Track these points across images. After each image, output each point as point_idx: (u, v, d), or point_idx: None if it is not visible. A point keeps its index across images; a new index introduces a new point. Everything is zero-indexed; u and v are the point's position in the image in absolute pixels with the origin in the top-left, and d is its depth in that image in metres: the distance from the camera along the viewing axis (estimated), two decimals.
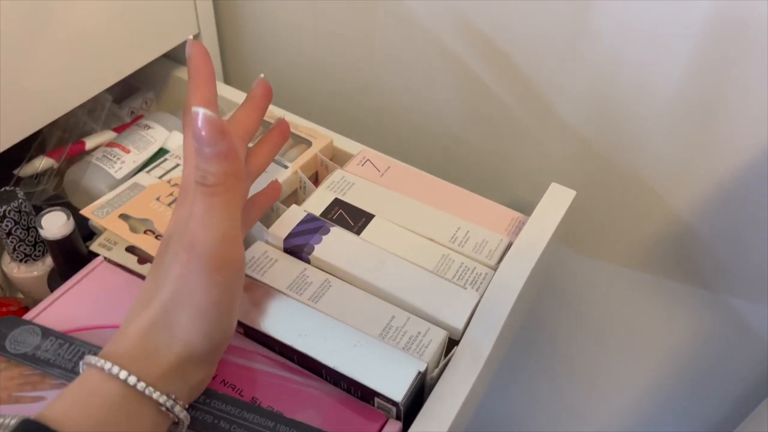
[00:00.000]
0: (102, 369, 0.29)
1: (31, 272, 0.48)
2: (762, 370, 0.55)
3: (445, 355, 0.38)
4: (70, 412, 0.27)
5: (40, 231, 0.42)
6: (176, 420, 0.31)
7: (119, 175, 0.51)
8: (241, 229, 0.32)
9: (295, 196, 0.51)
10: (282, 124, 0.41)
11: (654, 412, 0.57)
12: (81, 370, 0.30)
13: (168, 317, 0.30)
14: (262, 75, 0.39)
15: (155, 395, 0.29)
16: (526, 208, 0.46)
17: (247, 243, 0.44)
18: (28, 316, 0.38)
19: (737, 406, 0.56)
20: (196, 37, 0.60)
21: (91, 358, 0.29)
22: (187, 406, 0.32)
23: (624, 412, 0.58)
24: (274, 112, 0.55)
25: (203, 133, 0.28)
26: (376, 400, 0.34)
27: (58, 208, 0.43)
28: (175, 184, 0.46)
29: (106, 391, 0.28)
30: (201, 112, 0.27)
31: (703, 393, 0.57)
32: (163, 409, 0.29)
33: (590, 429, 0.57)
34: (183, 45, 0.60)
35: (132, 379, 0.29)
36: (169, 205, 0.44)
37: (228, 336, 0.32)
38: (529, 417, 0.58)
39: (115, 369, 0.29)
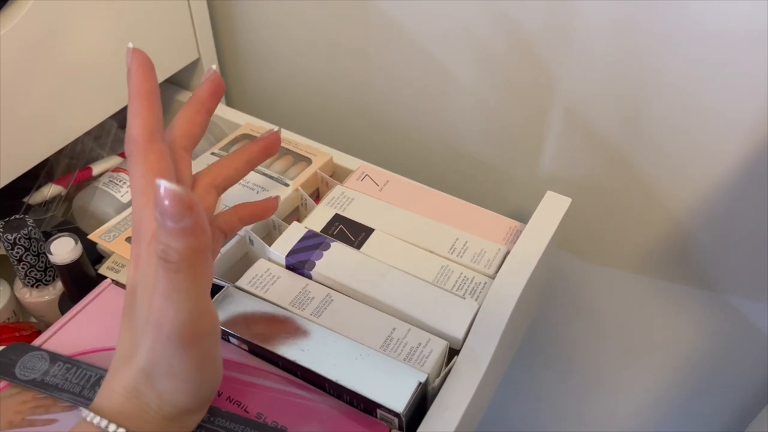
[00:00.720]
0: (99, 426, 0.29)
1: (42, 297, 0.49)
2: (766, 369, 0.55)
3: (446, 365, 0.39)
4: None
5: (50, 257, 0.43)
6: None
7: (125, 199, 0.52)
8: (209, 298, 0.29)
9: (297, 214, 0.52)
10: (272, 138, 0.39)
11: (660, 414, 0.57)
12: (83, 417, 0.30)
13: (150, 382, 0.29)
14: (214, 66, 0.36)
15: None
16: (525, 216, 0.47)
17: (250, 261, 0.45)
18: (38, 341, 0.39)
19: (744, 406, 0.55)
20: (196, 62, 0.62)
21: (87, 413, 0.29)
22: None
23: (630, 415, 0.58)
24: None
25: (167, 205, 0.24)
26: (379, 411, 0.35)
27: (67, 233, 0.44)
28: None
29: None
30: (163, 186, 0.24)
31: (709, 394, 0.56)
32: None
33: (595, 430, 0.57)
34: (184, 70, 0.61)
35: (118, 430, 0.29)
36: None
37: (216, 385, 0.32)
38: (536, 421, 0.59)
39: (112, 427, 0.28)
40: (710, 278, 0.55)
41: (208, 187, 0.36)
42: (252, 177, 0.50)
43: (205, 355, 0.29)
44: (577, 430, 0.58)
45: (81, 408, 0.30)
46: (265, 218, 0.40)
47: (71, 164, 0.56)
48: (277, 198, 0.41)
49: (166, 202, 0.24)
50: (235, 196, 0.48)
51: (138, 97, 0.30)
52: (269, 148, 0.39)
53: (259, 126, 0.57)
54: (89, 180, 0.55)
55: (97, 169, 0.56)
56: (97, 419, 0.29)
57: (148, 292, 0.29)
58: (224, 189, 0.37)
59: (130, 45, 0.31)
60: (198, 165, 0.51)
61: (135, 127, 0.30)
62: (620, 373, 0.60)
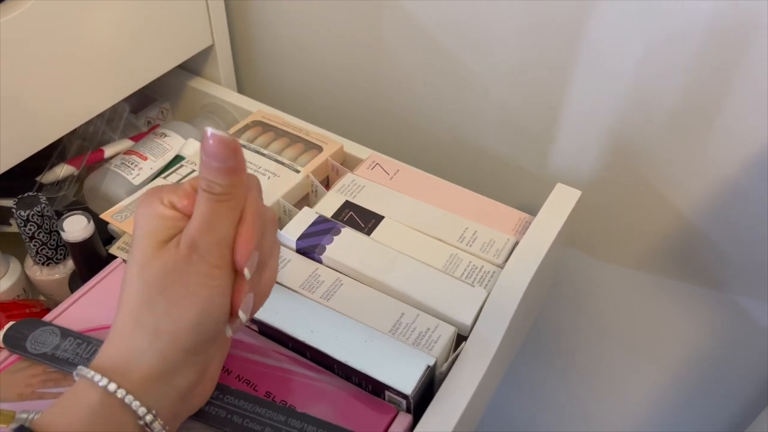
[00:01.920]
0: (85, 377, 0.28)
1: (53, 275, 0.49)
2: None
3: (454, 351, 0.39)
4: (57, 421, 0.27)
5: (62, 234, 0.43)
6: None
7: (137, 181, 0.53)
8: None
9: (307, 200, 0.52)
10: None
11: (662, 412, 0.57)
12: (75, 379, 0.29)
13: (152, 308, 0.29)
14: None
15: (134, 405, 0.28)
16: (533, 209, 0.47)
17: None
18: (49, 317, 0.40)
19: (747, 405, 0.56)
20: (210, 48, 0.62)
21: (80, 369, 0.29)
22: (167, 427, 0.29)
23: (632, 413, 0.58)
24: (285, 118, 0.57)
25: (212, 147, 0.27)
26: (387, 393, 0.35)
27: (79, 212, 0.44)
28: None
29: (89, 400, 0.28)
30: (209, 131, 0.27)
31: (712, 393, 0.57)
32: (141, 423, 0.28)
33: (600, 427, 0.57)
34: (197, 56, 0.62)
35: (112, 386, 0.28)
36: None
37: (215, 329, 0.30)
38: (539, 416, 0.59)
39: (97, 377, 0.28)
40: (716, 277, 0.55)
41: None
42: (264, 163, 0.50)
43: (221, 282, 0.29)
44: (579, 427, 0.58)
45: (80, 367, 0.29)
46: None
47: (83, 146, 0.56)
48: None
49: (211, 143, 0.27)
50: None
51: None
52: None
53: (271, 114, 0.57)
54: (101, 162, 0.56)
55: (109, 151, 0.56)
56: (84, 371, 0.28)
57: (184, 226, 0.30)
58: None
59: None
60: None
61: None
62: (623, 371, 0.60)
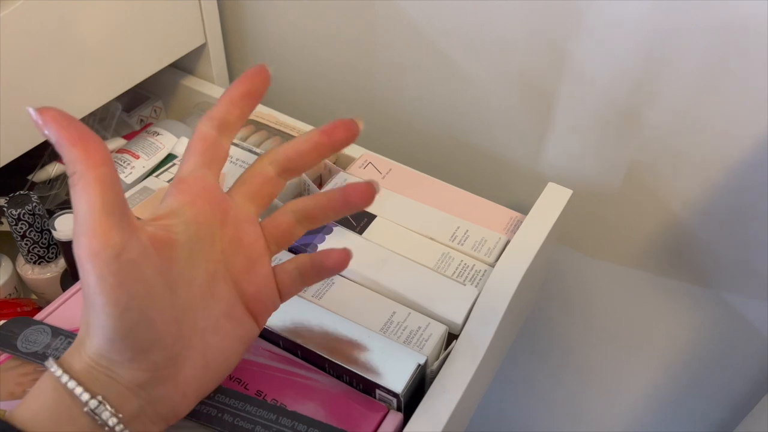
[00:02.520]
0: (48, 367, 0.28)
1: (44, 274, 0.49)
2: (761, 366, 0.55)
3: (445, 349, 0.39)
4: (24, 409, 0.27)
5: (54, 233, 0.43)
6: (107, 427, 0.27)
7: (129, 180, 0.52)
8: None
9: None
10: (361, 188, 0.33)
11: (654, 409, 0.58)
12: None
13: (85, 303, 0.27)
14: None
15: (77, 390, 0.26)
16: (525, 208, 0.47)
17: None
18: (40, 316, 0.40)
19: (738, 403, 0.56)
20: (203, 46, 0.62)
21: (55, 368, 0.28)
22: (121, 415, 0.27)
23: (623, 410, 0.58)
24: (278, 117, 0.57)
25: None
26: (378, 392, 0.35)
27: (71, 210, 0.44)
28: None
29: (47, 388, 0.27)
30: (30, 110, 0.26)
31: (703, 390, 0.57)
32: (86, 410, 0.26)
33: (591, 426, 0.58)
34: (190, 54, 0.62)
35: (57, 372, 0.27)
36: None
37: (143, 318, 0.27)
38: (530, 415, 0.59)
39: (51, 365, 0.27)
40: (706, 274, 0.56)
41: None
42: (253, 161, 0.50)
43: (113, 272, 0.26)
44: (573, 425, 0.58)
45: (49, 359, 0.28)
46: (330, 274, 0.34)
47: None
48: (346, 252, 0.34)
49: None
50: (234, 175, 0.48)
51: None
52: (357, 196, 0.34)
53: (263, 112, 0.57)
54: None
55: None
56: (48, 360, 0.27)
57: None
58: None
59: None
60: None
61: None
62: (614, 368, 0.60)
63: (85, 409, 0.26)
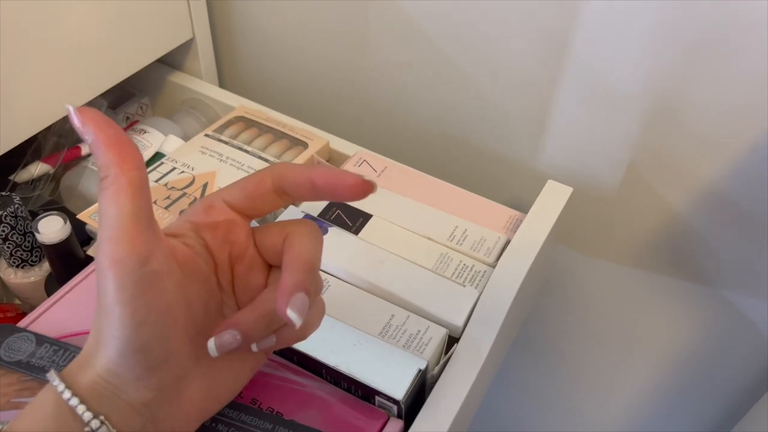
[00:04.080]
0: (49, 380, 0.27)
1: (28, 278, 0.47)
2: (761, 365, 0.55)
3: (446, 353, 0.38)
4: (20, 426, 0.26)
5: (37, 235, 0.41)
6: None
7: None
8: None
9: None
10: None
11: (653, 407, 0.57)
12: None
13: (96, 317, 0.27)
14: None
15: (79, 408, 0.25)
16: (523, 206, 0.46)
17: None
18: (24, 322, 0.38)
19: (737, 401, 0.56)
20: (191, 41, 0.60)
21: (51, 372, 0.27)
22: None
23: (623, 408, 0.58)
24: (268, 113, 0.55)
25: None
26: (377, 398, 0.34)
27: (55, 212, 0.43)
28: (172, 187, 0.46)
29: (47, 404, 0.26)
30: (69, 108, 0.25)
31: (702, 388, 0.57)
32: (87, 429, 0.25)
33: (589, 425, 0.57)
34: (177, 49, 0.60)
35: (60, 387, 0.26)
36: (166, 208, 0.44)
37: (156, 336, 0.26)
38: (530, 414, 0.58)
39: (55, 380, 0.26)
40: (705, 273, 0.55)
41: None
42: (247, 160, 0.49)
43: (133, 284, 0.26)
44: (573, 424, 0.58)
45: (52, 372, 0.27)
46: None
47: (59, 143, 0.54)
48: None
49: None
50: (230, 177, 0.47)
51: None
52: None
53: (254, 109, 0.56)
54: (78, 159, 0.54)
55: (86, 148, 0.54)
56: (50, 374, 0.26)
57: None
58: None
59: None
60: (191, 146, 0.50)
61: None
62: (612, 367, 0.60)
63: (86, 429, 0.26)
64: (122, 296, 0.25)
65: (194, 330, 0.28)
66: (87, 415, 0.26)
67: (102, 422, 0.26)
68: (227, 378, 0.30)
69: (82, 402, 0.26)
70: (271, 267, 0.32)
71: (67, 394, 0.26)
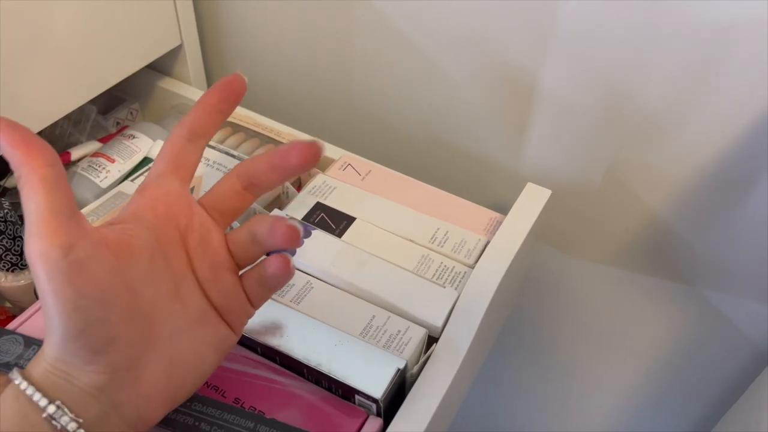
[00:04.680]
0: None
1: (18, 281, 0.48)
2: (741, 363, 0.56)
3: (425, 353, 0.39)
4: None
5: None
6: None
7: (105, 185, 0.52)
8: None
9: (278, 202, 0.51)
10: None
11: (635, 406, 0.58)
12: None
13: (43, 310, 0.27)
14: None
15: (35, 396, 0.26)
16: (505, 208, 0.47)
17: None
18: (13, 325, 0.39)
19: (718, 399, 0.56)
20: (179, 47, 0.61)
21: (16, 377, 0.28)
22: (82, 420, 0.27)
23: (606, 407, 0.58)
24: (256, 118, 0.56)
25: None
26: (357, 397, 0.35)
27: None
28: None
29: (8, 398, 0.27)
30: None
31: (684, 387, 0.57)
32: (45, 415, 0.26)
33: (574, 424, 0.58)
34: (166, 55, 0.61)
35: (17, 379, 0.27)
36: None
37: (92, 306, 0.27)
38: (513, 415, 0.59)
39: (13, 372, 0.27)
40: (686, 272, 0.56)
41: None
42: (233, 164, 0.50)
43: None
44: (556, 425, 0.59)
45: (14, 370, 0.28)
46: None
47: None
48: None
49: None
50: (211, 178, 0.48)
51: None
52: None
53: (241, 114, 0.57)
54: (68, 165, 0.54)
55: (75, 154, 0.55)
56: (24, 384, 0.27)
57: None
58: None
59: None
60: None
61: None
62: (596, 366, 0.61)
63: (44, 414, 0.26)
64: (52, 286, 0.26)
65: (142, 312, 0.29)
66: (43, 401, 0.26)
67: (58, 407, 0.27)
68: (187, 357, 0.31)
69: (37, 390, 0.27)
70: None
71: (23, 384, 0.27)
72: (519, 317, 0.62)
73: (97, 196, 0.50)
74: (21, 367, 0.28)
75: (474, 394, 0.59)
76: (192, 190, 0.48)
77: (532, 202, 0.47)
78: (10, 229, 0.46)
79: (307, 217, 0.45)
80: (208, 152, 0.51)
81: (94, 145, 0.56)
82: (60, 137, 0.56)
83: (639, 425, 0.57)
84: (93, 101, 0.55)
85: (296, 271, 0.42)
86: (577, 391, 0.60)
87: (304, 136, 0.54)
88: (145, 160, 0.54)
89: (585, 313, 0.62)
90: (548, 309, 0.63)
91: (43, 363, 0.27)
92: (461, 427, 0.56)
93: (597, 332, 0.61)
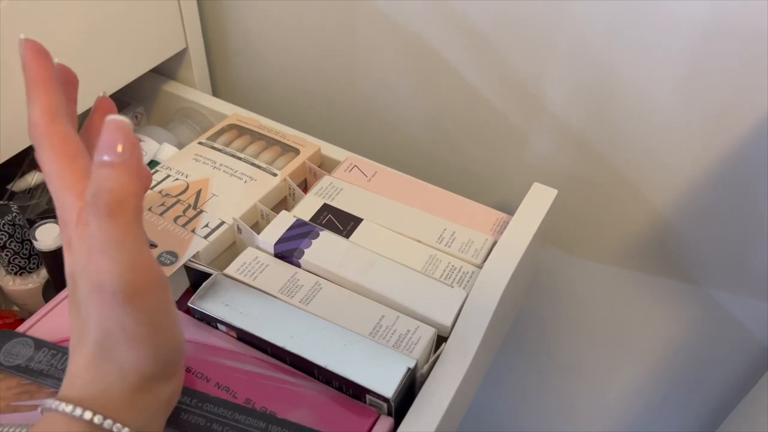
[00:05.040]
0: (65, 413, 0.27)
1: (26, 285, 0.48)
2: (747, 362, 0.56)
3: (434, 352, 0.39)
4: None
5: (35, 243, 0.42)
6: None
7: None
8: (148, 250, 0.27)
9: (285, 204, 0.52)
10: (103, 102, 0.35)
11: (641, 405, 0.58)
12: (41, 414, 0.29)
13: (107, 354, 0.28)
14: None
15: (118, 429, 0.28)
16: (511, 208, 0.47)
17: (237, 250, 0.45)
18: (22, 328, 0.39)
19: (724, 398, 0.56)
20: (184, 51, 0.61)
21: (51, 402, 0.28)
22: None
23: (612, 407, 0.58)
24: (261, 121, 0.56)
25: (108, 136, 0.24)
26: (368, 397, 0.35)
27: (52, 220, 0.44)
28: (167, 194, 0.47)
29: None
30: (110, 118, 0.24)
31: (690, 386, 0.57)
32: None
33: (579, 424, 0.58)
34: (171, 59, 0.61)
35: (98, 419, 0.27)
36: (161, 215, 0.45)
37: (177, 345, 0.30)
38: (519, 414, 0.59)
39: (78, 411, 0.27)
40: (691, 271, 0.56)
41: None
42: (240, 166, 0.50)
43: (155, 310, 0.27)
44: (561, 424, 0.59)
45: (44, 400, 0.29)
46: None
47: None
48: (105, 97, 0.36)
49: (109, 133, 0.24)
50: (223, 183, 0.48)
51: (34, 83, 0.30)
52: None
53: (246, 117, 0.57)
54: None
55: None
56: (62, 406, 0.27)
57: (86, 261, 0.27)
58: None
59: (22, 36, 0.30)
60: (185, 154, 0.51)
61: (34, 111, 0.29)
62: (602, 366, 0.61)
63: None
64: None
65: None
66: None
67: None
68: None
69: (123, 423, 0.28)
70: None
71: (108, 423, 0.28)
72: (524, 317, 0.62)
73: None
74: (41, 372, 0.29)
75: (479, 394, 0.59)
76: (198, 193, 0.48)
77: (538, 201, 0.47)
78: (18, 233, 0.46)
79: (315, 219, 0.46)
80: (214, 155, 0.51)
81: None
82: None
83: (645, 424, 0.57)
84: None
85: (304, 272, 0.42)
86: (583, 392, 0.60)
87: (310, 139, 0.54)
88: (152, 163, 0.54)
89: (590, 314, 0.62)
90: (553, 309, 0.63)
91: (123, 398, 0.29)
92: (466, 427, 0.56)
93: (602, 332, 0.61)
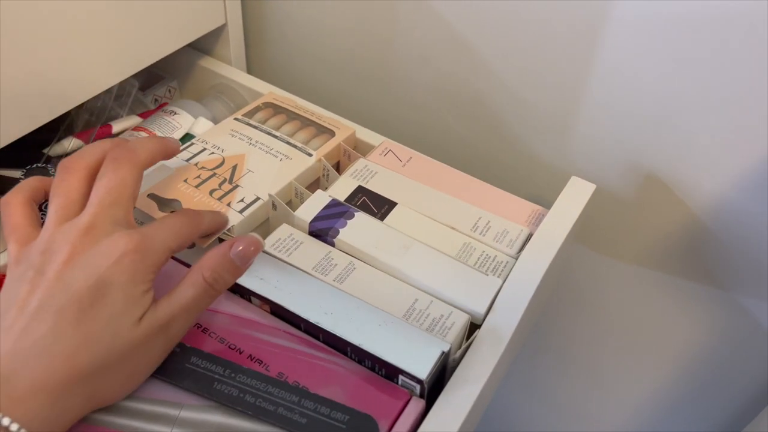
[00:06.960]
0: None
1: None
2: None
3: (467, 339, 0.39)
4: None
5: None
6: None
7: None
8: None
9: (318, 184, 0.51)
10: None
11: (663, 409, 0.58)
12: None
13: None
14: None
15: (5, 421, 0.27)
16: (543, 203, 0.47)
17: (271, 227, 0.45)
18: None
19: (746, 405, 0.56)
20: (222, 27, 0.61)
21: None
22: None
23: (632, 410, 0.58)
24: (297, 101, 0.56)
25: (247, 251, 0.35)
26: (401, 378, 0.35)
27: None
28: (203, 167, 0.47)
29: None
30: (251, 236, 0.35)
31: (713, 392, 0.57)
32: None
33: (599, 426, 0.58)
34: (208, 35, 0.61)
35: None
36: (197, 186, 0.45)
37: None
38: (538, 413, 0.59)
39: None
40: (720, 276, 0.56)
41: None
42: (276, 144, 0.50)
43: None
44: (581, 425, 0.58)
45: None
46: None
47: (91, 121, 0.55)
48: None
49: (251, 249, 0.35)
50: (259, 160, 0.48)
51: None
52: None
53: (282, 96, 0.57)
54: (109, 137, 0.55)
55: (117, 127, 0.55)
56: None
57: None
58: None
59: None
60: (221, 129, 0.51)
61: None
62: (624, 368, 0.60)
63: None
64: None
65: None
66: (14, 426, 0.27)
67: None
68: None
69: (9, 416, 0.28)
70: None
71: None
72: (547, 315, 0.61)
73: None
74: None
75: (499, 393, 0.58)
76: (234, 168, 0.48)
77: (576, 195, 0.46)
78: None
79: (349, 200, 0.45)
80: (250, 131, 0.51)
81: (134, 120, 0.56)
82: (102, 110, 0.56)
83: (665, 428, 0.56)
84: (133, 77, 0.55)
85: (338, 252, 0.42)
86: (604, 393, 0.59)
87: (345, 122, 0.54)
88: (186, 136, 0.54)
89: (614, 314, 0.62)
90: (576, 308, 0.63)
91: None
92: (484, 426, 0.56)
93: (626, 334, 0.61)
